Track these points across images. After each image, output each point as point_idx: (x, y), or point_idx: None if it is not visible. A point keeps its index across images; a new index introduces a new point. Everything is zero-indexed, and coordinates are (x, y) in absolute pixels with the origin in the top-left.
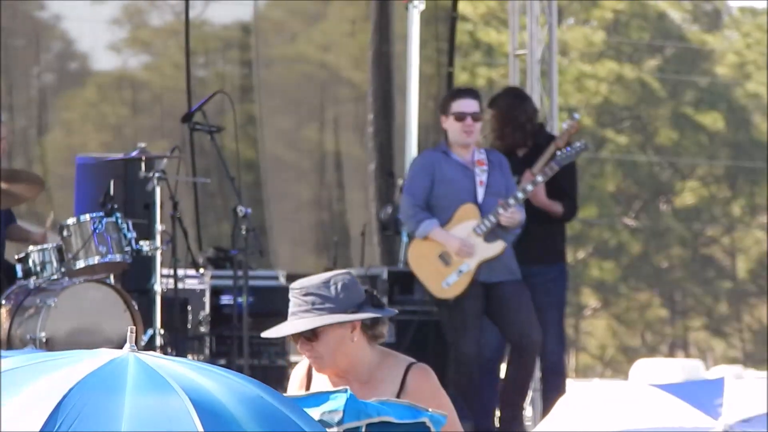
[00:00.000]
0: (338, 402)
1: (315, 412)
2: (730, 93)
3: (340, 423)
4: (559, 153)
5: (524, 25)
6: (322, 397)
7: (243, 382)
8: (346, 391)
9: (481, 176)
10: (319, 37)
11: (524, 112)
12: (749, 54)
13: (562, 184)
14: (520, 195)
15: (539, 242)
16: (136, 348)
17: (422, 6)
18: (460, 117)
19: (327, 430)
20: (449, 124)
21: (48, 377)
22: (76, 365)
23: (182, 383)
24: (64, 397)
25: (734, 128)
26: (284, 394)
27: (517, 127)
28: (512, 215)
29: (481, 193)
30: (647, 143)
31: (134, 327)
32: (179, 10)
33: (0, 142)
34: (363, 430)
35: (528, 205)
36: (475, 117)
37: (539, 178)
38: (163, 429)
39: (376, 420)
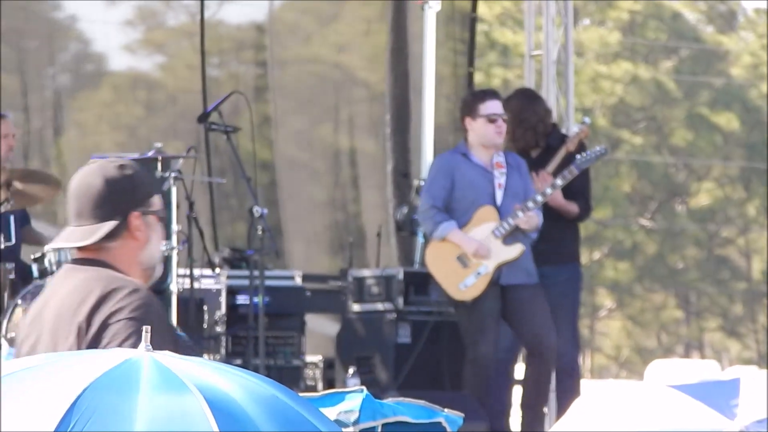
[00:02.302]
0: (354, 402)
1: (331, 412)
2: (745, 94)
3: (356, 423)
4: (578, 157)
5: (540, 25)
6: (337, 397)
7: (258, 381)
8: (362, 391)
9: (500, 179)
10: (333, 37)
11: (535, 113)
12: (764, 55)
13: (576, 185)
14: (539, 198)
15: (552, 243)
16: (151, 348)
17: (438, 6)
18: (492, 119)
19: (343, 429)
20: (478, 125)
21: (62, 377)
22: (91, 365)
23: (197, 383)
24: (79, 397)
25: (749, 129)
26: (300, 395)
27: (528, 129)
28: (530, 219)
29: (499, 195)
30: (662, 144)
31: (149, 326)
32: (193, 11)
33: (4, 138)
34: (379, 430)
35: (543, 205)
36: (504, 119)
37: (558, 182)
38: (177, 429)
39: (391, 420)
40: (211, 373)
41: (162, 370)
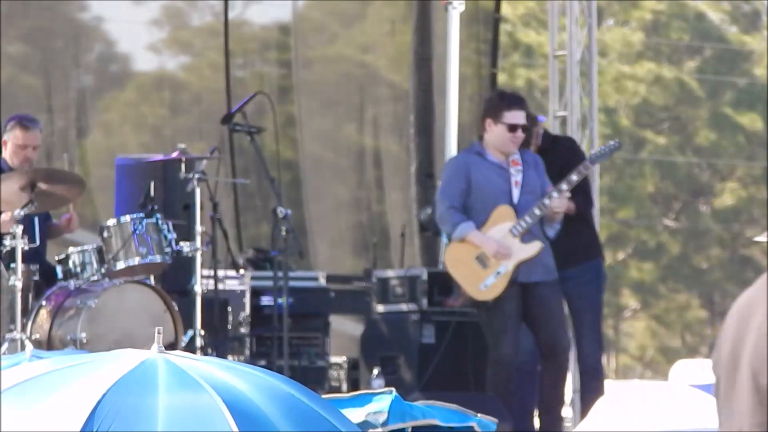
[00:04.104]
0: (383, 403)
1: (359, 413)
2: None
3: (384, 424)
4: (592, 152)
5: (563, 26)
6: (366, 398)
7: (272, 380)
8: (391, 392)
9: (516, 176)
10: (358, 37)
11: None
12: None
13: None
14: (555, 194)
15: (570, 244)
16: (163, 348)
17: (462, 7)
18: (513, 128)
19: (371, 431)
20: (497, 130)
21: (84, 379)
22: (110, 367)
23: (211, 382)
24: (102, 398)
25: None
26: (327, 396)
27: None
28: (562, 203)
29: (516, 193)
30: (686, 144)
31: (161, 327)
32: (218, 11)
33: (22, 150)
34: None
35: None
36: (524, 128)
37: (574, 177)
38: (197, 428)
39: (421, 423)
40: (224, 372)
41: (177, 371)
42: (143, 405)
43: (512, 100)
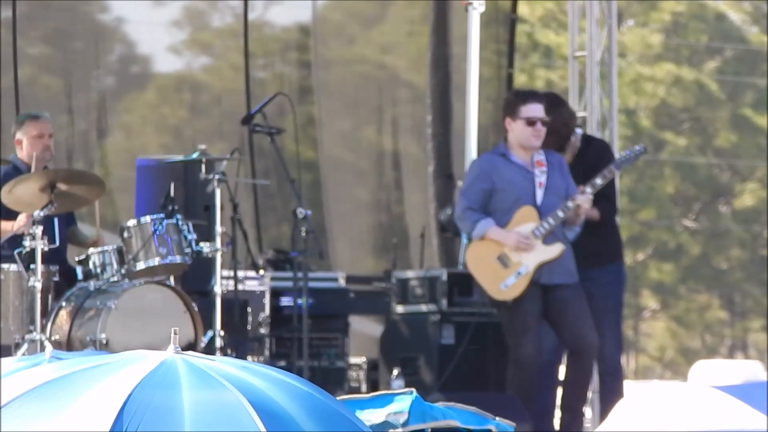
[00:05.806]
0: (403, 404)
1: (380, 414)
2: None
3: (405, 425)
4: (618, 156)
5: (583, 27)
6: (386, 399)
7: (289, 379)
8: (411, 393)
9: (541, 178)
10: (377, 38)
11: (559, 116)
12: None
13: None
14: (579, 197)
15: (592, 246)
16: (179, 349)
17: (482, 8)
18: (531, 122)
19: (391, 431)
20: (517, 127)
21: (107, 380)
22: (131, 367)
23: (232, 381)
24: (128, 398)
25: None
26: (348, 396)
27: (552, 133)
28: (588, 200)
29: (540, 194)
30: (706, 145)
31: (177, 328)
32: (239, 12)
33: (38, 139)
34: None
35: None
36: (544, 122)
37: (598, 181)
38: (224, 425)
39: (441, 424)
40: (240, 371)
41: (196, 371)
42: (169, 404)
43: (527, 94)
